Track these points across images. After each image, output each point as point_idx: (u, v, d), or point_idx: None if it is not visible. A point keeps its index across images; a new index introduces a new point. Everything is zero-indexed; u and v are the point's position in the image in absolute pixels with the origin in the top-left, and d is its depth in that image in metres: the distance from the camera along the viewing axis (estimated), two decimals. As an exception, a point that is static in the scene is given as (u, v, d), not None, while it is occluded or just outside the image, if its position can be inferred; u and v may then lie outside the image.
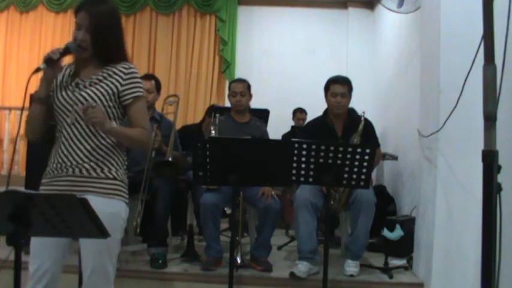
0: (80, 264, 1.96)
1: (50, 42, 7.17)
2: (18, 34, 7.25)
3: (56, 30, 7.26)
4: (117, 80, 1.98)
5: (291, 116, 6.27)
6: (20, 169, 6.70)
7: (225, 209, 4.05)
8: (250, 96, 3.84)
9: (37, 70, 1.87)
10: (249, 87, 3.81)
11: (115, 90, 1.97)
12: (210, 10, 7.21)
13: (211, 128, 3.76)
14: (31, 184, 3.57)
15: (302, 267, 3.30)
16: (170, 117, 4.01)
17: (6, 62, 7.25)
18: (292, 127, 5.84)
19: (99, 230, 1.48)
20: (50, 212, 1.42)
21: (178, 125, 4.59)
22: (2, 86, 7.26)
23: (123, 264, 3.40)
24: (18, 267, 1.44)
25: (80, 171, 1.93)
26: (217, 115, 3.81)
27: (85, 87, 1.96)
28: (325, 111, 3.73)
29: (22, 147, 6.69)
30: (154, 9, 7.25)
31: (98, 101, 1.94)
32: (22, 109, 1.93)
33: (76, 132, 1.94)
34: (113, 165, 1.98)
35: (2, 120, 7.05)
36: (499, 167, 1.62)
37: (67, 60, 2.02)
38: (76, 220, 1.46)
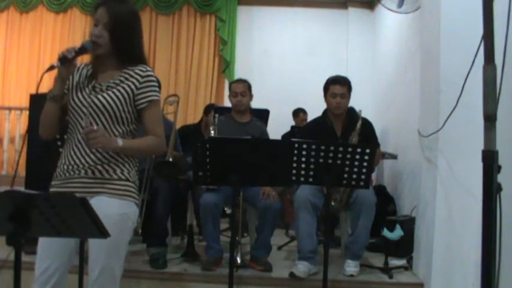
0: (80, 264, 1.95)
1: (50, 42, 7.17)
2: (18, 34, 7.24)
3: (56, 30, 7.24)
4: (133, 83, 1.96)
5: (290, 116, 6.26)
6: (20, 169, 6.69)
7: (225, 209, 4.04)
8: (251, 96, 3.84)
9: (51, 68, 1.85)
10: (249, 87, 3.82)
11: (130, 94, 1.96)
12: (210, 10, 7.21)
13: (211, 128, 3.76)
14: (31, 184, 3.56)
15: (302, 267, 3.30)
16: (170, 117, 4.01)
17: (6, 62, 7.23)
18: (292, 127, 5.83)
19: (99, 230, 1.48)
20: (50, 212, 1.41)
21: (178, 125, 4.59)
22: (2, 86, 7.24)
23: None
24: (18, 267, 1.44)
25: (93, 172, 1.92)
26: (217, 115, 3.81)
27: (101, 90, 1.94)
28: (325, 111, 3.73)
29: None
30: (154, 9, 7.24)
31: (113, 104, 1.92)
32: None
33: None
34: (125, 166, 1.97)
35: (2, 120, 7.05)
36: (499, 167, 1.62)
37: (86, 58, 2.00)
38: (76, 220, 1.45)
